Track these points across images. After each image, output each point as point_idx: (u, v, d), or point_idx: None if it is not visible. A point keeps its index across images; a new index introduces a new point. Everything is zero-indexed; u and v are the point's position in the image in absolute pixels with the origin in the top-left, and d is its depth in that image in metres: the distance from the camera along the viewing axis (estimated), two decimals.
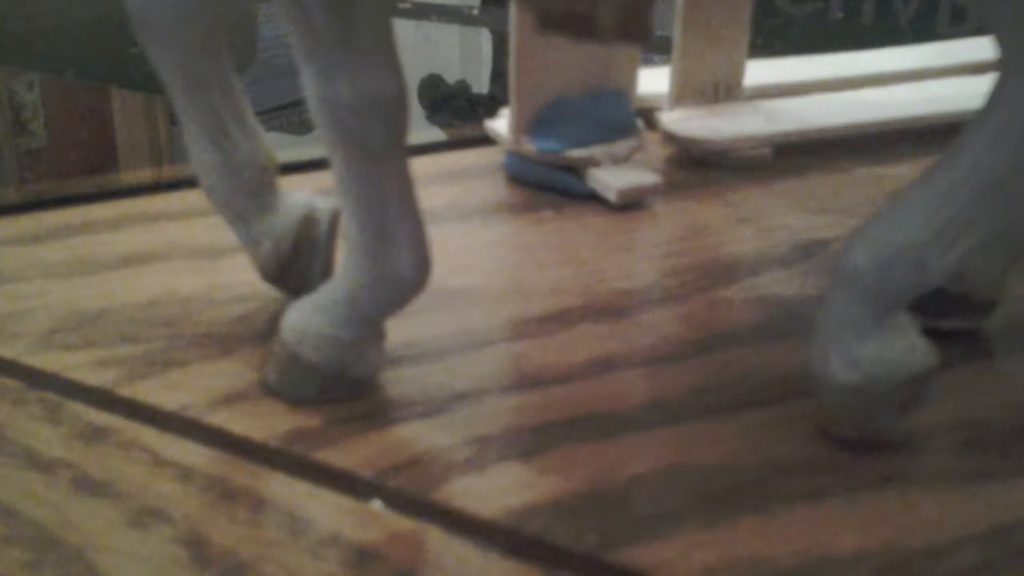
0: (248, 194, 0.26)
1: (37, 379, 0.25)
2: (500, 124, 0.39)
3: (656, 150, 0.40)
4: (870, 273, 0.22)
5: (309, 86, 0.22)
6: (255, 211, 0.26)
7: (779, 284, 0.30)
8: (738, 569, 0.19)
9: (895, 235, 0.22)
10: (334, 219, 0.27)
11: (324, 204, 0.27)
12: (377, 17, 0.21)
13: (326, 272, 0.27)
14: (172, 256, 0.31)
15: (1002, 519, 0.21)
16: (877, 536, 0.20)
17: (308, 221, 0.27)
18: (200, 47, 0.24)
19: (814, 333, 0.23)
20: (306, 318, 0.23)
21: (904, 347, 0.22)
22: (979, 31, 0.48)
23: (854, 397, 0.22)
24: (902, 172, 0.39)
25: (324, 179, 0.38)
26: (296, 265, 0.27)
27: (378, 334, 0.24)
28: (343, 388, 0.24)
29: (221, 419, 0.23)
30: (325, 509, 0.21)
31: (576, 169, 0.36)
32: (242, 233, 0.27)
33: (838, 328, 0.22)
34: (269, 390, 0.24)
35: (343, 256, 0.23)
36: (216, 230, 0.33)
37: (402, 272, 0.23)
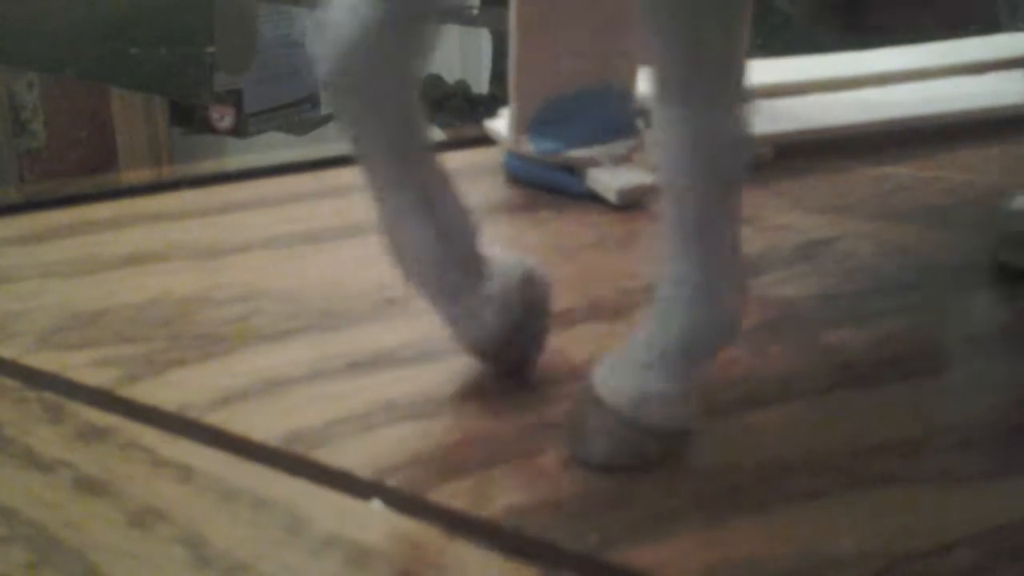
0: (461, 265, 0.23)
1: (37, 379, 0.25)
2: (500, 124, 0.39)
3: (656, 150, 0.40)
4: None
5: (677, 122, 0.20)
6: (469, 283, 0.23)
7: (779, 284, 0.30)
8: (738, 569, 0.19)
9: None
10: (546, 277, 0.25)
11: (529, 261, 0.24)
12: (743, 38, 0.20)
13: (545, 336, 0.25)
14: (172, 256, 0.31)
15: (1002, 519, 0.21)
16: (877, 536, 0.20)
17: (527, 283, 0.24)
18: (406, 107, 0.21)
19: None
20: (637, 380, 0.22)
21: None
22: (979, 31, 0.48)
23: None
24: (902, 172, 0.39)
25: (324, 179, 0.38)
26: (524, 333, 0.24)
27: None
28: (676, 443, 0.22)
29: (221, 419, 0.23)
30: (325, 509, 0.21)
31: (576, 169, 0.36)
32: (453, 311, 0.24)
33: None
34: (594, 465, 0.22)
35: (662, 305, 0.22)
36: (216, 230, 0.33)
37: (731, 311, 0.22)
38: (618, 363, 0.22)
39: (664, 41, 0.20)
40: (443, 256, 0.23)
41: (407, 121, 0.22)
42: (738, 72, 0.20)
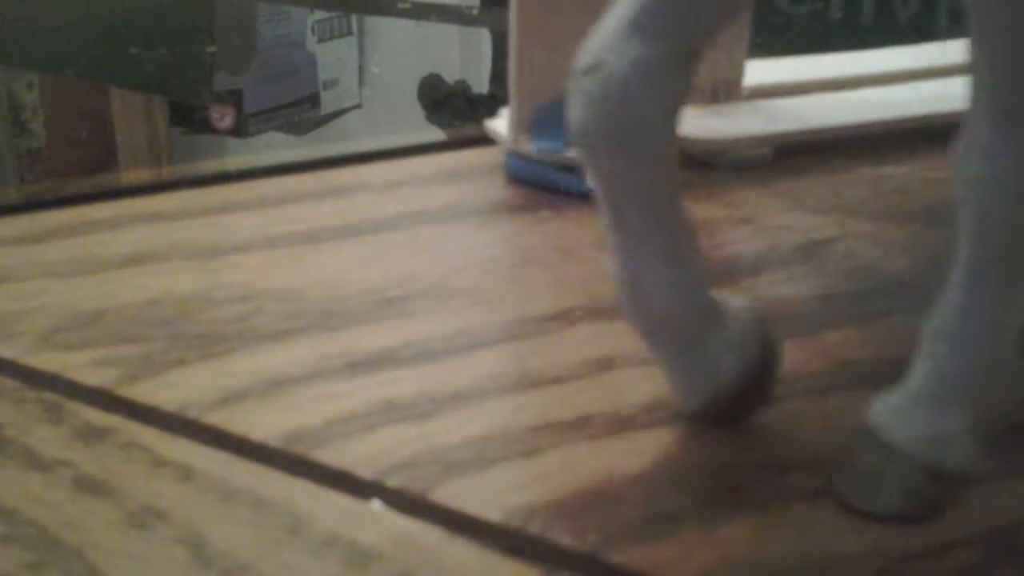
0: (702, 310, 0.22)
1: (37, 379, 0.25)
2: (500, 124, 0.39)
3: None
4: None
5: (1010, 151, 0.20)
6: (708, 328, 0.22)
7: (779, 284, 0.30)
8: (738, 569, 0.19)
9: None
10: (771, 322, 0.23)
11: (753, 306, 0.23)
12: None
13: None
14: (172, 256, 0.31)
15: (1001, 519, 0.21)
16: (877, 536, 0.20)
17: (758, 324, 0.23)
18: (667, 153, 0.20)
19: None
20: (934, 423, 0.20)
21: None
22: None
23: None
24: (902, 172, 0.39)
25: (324, 179, 0.38)
26: (763, 378, 0.23)
27: None
28: (965, 487, 0.21)
29: (221, 419, 0.23)
30: (325, 509, 0.21)
31: (576, 169, 0.36)
32: (692, 360, 0.22)
33: None
34: (882, 517, 0.21)
35: (952, 337, 0.21)
36: (216, 230, 0.33)
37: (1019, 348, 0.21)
38: (905, 403, 0.21)
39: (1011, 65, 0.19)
40: (688, 303, 0.22)
41: (666, 167, 0.21)
42: None
